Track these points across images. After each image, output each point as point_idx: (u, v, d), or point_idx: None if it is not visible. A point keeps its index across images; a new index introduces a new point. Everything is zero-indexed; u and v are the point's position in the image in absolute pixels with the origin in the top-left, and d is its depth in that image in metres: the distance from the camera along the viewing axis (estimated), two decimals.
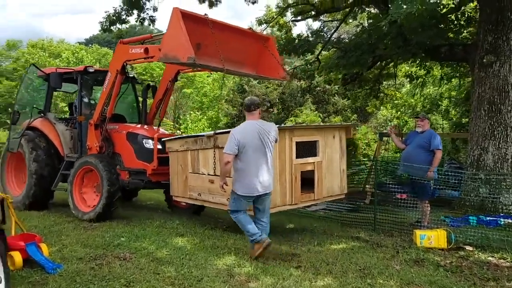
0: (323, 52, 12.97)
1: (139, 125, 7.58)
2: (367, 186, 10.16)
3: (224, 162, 4.75)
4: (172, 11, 5.20)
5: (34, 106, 7.99)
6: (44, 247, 4.34)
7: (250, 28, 6.59)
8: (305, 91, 26.64)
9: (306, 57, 22.93)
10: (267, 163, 4.83)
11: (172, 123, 29.16)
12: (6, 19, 73.19)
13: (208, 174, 5.87)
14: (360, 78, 12.42)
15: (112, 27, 12.31)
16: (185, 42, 4.93)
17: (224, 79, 36.05)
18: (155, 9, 12.00)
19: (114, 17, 12.16)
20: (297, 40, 10.22)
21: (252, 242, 4.85)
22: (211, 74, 37.17)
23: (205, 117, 30.82)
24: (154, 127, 7.67)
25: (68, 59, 35.13)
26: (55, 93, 9.17)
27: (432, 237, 5.80)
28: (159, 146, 6.65)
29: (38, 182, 7.17)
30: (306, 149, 5.97)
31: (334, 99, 26.31)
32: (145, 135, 6.93)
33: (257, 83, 27.36)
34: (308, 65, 14.06)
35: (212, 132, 5.83)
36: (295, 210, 8.80)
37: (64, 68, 8.14)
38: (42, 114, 7.73)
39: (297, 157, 5.77)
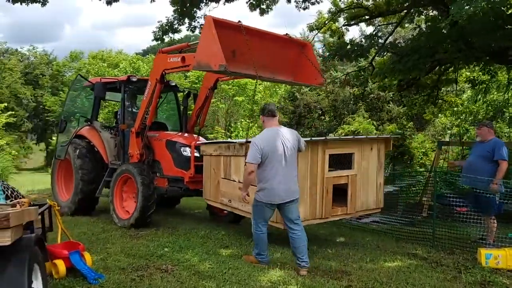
0: (377, 58, 12.47)
1: (179, 133, 7.63)
2: (424, 198, 9.56)
3: (247, 172, 4.63)
4: (205, 20, 5.23)
5: (81, 115, 8.26)
6: (87, 256, 4.31)
7: (287, 34, 6.41)
8: (358, 98, 25.96)
9: (359, 63, 22.33)
10: (292, 169, 4.71)
11: (224, 131, 29.40)
12: (76, 31, 77.51)
13: (239, 182, 5.74)
14: (417, 83, 11.76)
15: (164, 36, 12.51)
16: (217, 50, 4.92)
17: (276, 87, 36.00)
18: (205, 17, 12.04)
19: (166, 27, 12.35)
20: (349, 45, 9.84)
21: (256, 257, 4.84)
22: (262, 82, 37.16)
23: (256, 124, 30.80)
24: (194, 135, 7.68)
25: (126, 69, 36.51)
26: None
27: (500, 257, 5.25)
28: (197, 154, 6.66)
29: (83, 189, 7.39)
30: (341, 162, 5.83)
31: (389, 106, 25.39)
32: (182, 143, 6.95)
33: (309, 90, 27.01)
34: (361, 71, 13.57)
35: (244, 140, 5.73)
36: (347, 222, 8.48)
37: (108, 78, 8.36)
38: (89, 123, 7.96)
39: (330, 170, 5.59)
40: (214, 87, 7.55)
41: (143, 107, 6.86)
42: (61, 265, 4.05)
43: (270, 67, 5.98)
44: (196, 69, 5.60)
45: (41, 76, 40.57)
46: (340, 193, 5.87)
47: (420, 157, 18.17)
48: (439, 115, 19.30)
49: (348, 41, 10.64)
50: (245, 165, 4.92)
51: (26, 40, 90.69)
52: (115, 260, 4.70)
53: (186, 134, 7.62)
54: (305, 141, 5.25)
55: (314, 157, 5.41)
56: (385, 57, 12.19)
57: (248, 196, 4.78)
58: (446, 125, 22.73)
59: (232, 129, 31.05)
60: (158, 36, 12.53)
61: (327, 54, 12.03)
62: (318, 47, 30.96)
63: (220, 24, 5.23)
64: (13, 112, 24.61)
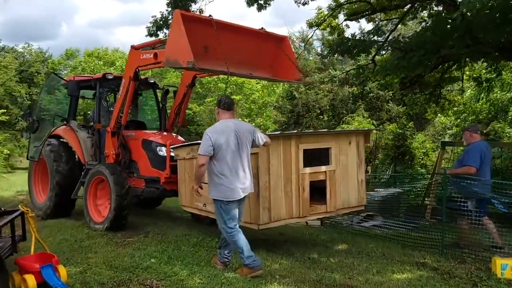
0: (377, 57, 12.02)
1: (156, 132, 7.36)
2: (426, 200, 9.15)
3: (198, 165, 4.43)
4: (174, 14, 4.99)
5: (56, 114, 8.05)
6: (61, 269, 3.84)
7: (263, 28, 6.09)
8: (357, 97, 25.56)
9: (359, 61, 21.89)
10: (246, 164, 4.51)
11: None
12: (73, 30, 76.95)
13: None
14: (420, 81, 11.31)
15: (159, 32, 12.01)
16: (185, 46, 4.73)
17: (274, 86, 35.55)
18: (201, 11, 11.57)
19: (161, 22, 11.86)
20: (351, 40, 9.38)
21: (246, 264, 4.44)
22: (259, 81, 36.81)
23: (254, 124, 30.39)
24: (173, 134, 7.43)
25: (122, 66, 35.99)
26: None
27: None
28: (173, 154, 6.35)
29: (59, 190, 7.16)
30: (317, 157, 5.52)
31: (388, 105, 25.04)
32: (158, 142, 6.69)
33: (307, 89, 26.60)
34: (362, 69, 13.11)
35: None
36: (349, 226, 8.06)
37: (82, 76, 8.12)
38: (65, 122, 7.72)
39: (305, 166, 5.31)
40: (192, 84, 7.30)
41: (118, 105, 6.66)
42: (31, 280, 3.59)
43: (246, 63, 5.82)
44: (166, 65, 5.38)
45: (36, 74, 40.04)
46: (320, 191, 5.61)
47: (421, 157, 17.76)
48: (439, 114, 18.94)
49: (350, 36, 10.17)
50: None
51: (23, 38, 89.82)
52: (95, 273, 4.23)
53: (164, 133, 7.35)
54: (276, 135, 5.16)
55: (287, 153, 5.17)
56: (386, 55, 11.76)
57: (202, 189, 4.59)
58: (446, 125, 22.39)
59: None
60: (152, 32, 12.03)
61: (327, 51, 11.53)
62: (317, 45, 30.61)
63: (190, 19, 5.05)
64: (6, 111, 24.00)
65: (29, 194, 8.24)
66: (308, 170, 5.36)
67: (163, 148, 6.53)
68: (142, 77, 7.88)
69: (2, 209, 4.25)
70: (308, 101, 26.45)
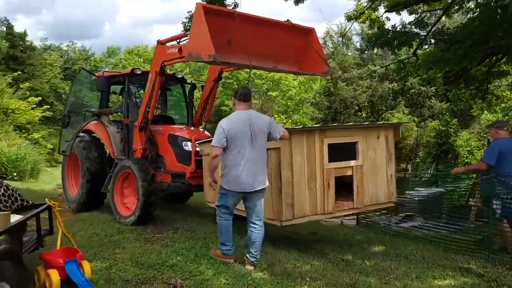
0: (419, 51, 11.45)
1: (183, 127, 7.29)
2: (470, 200, 8.62)
3: (212, 156, 4.39)
4: (196, 7, 4.84)
5: (87, 109, 8.09)
6: (86, 265, 3.76)
7: (288, 20, 5.89)
8: (398, 93, 24.75)
9: (399, 56, 21.10)
10: (260, 157, 4.39)
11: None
12: (114, 29, 79.29)
13: None
14: (466, 75, 10.68)
15: None
16: (206, 40, 4.64)
17: (311, 82, 35.08)
18: (236, 5, 11.40)
19: None
20: (392, 32, 8.92)
21: (220, 248, 4.56)
22: (296, 77, 36.47)
23: (290, 120, 30.09)
24: (200, 129, 7.38)
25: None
26: None
27: None
28: (198, 149, 6.28)
29: (90, 184, 7.17)
30: (343, 152, 5.35)
31: (431, 101, 24.11)
32: (184, 137, 6.60)
33: (345, 85, 26.01)
34: (402, 64, 12.54)
35: None
36: (386, 227, 7.70)
37: (111, 72, 8.22)
38: (96, 117, 7.80)
39: (330, 161, 5.15)
40: (219, 78, 7.17)
41: (145, 100, 6.61)
42: (54, 276, 3.52)
43: (272, 56, 5.70)
44: (188, 60, 5.33)
45: (79, 71, 41.32)
46: (348, 187, 5.46)
47: (465, 155, 16.95)
48: (485, 111, 18.01)
49: (390, 28, 9.69)
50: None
51: (68, 38, 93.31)
52: (120, 269, 4.14)
53: (191, 128, 7.30)
54: (299, 129, 5.00)
55: (311, 147, 5.00)
56: (429, 49, 11.19)
57: (215, 183, 4.57)
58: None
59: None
60: (188, 27, 11.97)
61: (366, 44, 11.07)
62: (356, 40, 29.87)
63: (212, 12, 4.95)
64: (51, 107, 24.83)
65: (63, 188, 8.37)
66: (333, 165, 5.20)
67: (189, 143, 6.45)
68: (172, 72, 7.94)
69: (30, 202, 4.23)
70: (346, 98, 25.86)
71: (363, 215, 8.21)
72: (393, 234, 7.11)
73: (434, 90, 23.27)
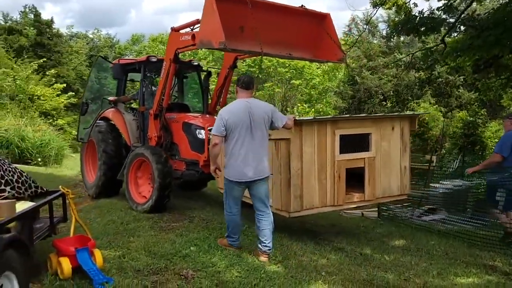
0: (447, 38, 11.00)
1: (198, 115, 7.22)
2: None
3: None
4: None
5: (104, 97, 8.17)
6: (98, 254, 3.72)
7: (303, 5, 5.74)
8: (424, 82, 24.09)
9: (427, 44, 20.43)
10: (260, 145, 4.34)
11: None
12: (139, 17, 79.82)
13: None
14: (497, 64, 10.23)
15: None
16: (217, 27, 4.58)
17: (335, 70, 34.53)
18: None
19: None
20: (419, 18, 8.56)
21: (227, 238, 4.62)
22: (320, 65, 35.97)
23: (313, 109, 29.75)
24: (215, 117, 7.12)
25: (185, 52, 36.55)
26: None
27: None
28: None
29: (106, 171, 7.24)
30: (356, 143, 5.27)
31: (458, 91, 23.36)
32: (198, 125, 6.54)
33: (370, 74, 25.46)
34: (429, 52, 12.11)
35: None
36: (408, 219, 7.47)
37: (127, 59, 8.27)
38: (113, 105, 7.82)
39: (342, 152, 5.09)
40: (234, 65, 7.07)
41: (160, 88, 6.57)
42: (65, 264, 3.49)
43: (285, 42, 5.58)
44: (200, 47, 5.32)
45: (120, 57, 41.80)
46: (360, 179, 5.39)
47: (493, 147, 16.38)
48: None
49: (417, 13, 9.30)
50: None
51: (95, 25, 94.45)
52: (133, 258, 4.10)
53: (207, 116, 7.23)
54: (310, 120, 4.91)
55: (322, 139, 4.93)
56: (458, 36, 10.74)
57: (220, 170, 4.58)
58: None
59: (288, 114, 30.20)
60: None
61: (391, 31, 10.70)
62: (382, 27, 29.15)
63: None
64: (74, 93, 25.19)
65: (81, 174, 8.47)
66: (345, 156, 5.12)
67: (202, 131, 6.40)
68: (188, 59, 7.91)
69: (45, 189, 4.22)
70: (371, 87, 25.33)
71: (385, 207, 8.01)
72: (415, 227, 6.89)
73: (462, 80, 22.54)
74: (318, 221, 6.85)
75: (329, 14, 5.96)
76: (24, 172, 4.06)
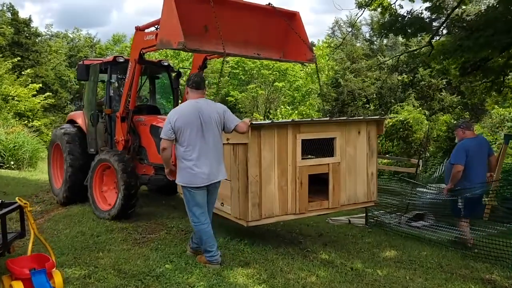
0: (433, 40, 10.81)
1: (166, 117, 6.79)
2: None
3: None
4: None
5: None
6: (57, 276, 3.28)
7: (270, 4, 5.51)
8: (407, 85, 24.06)
9: (409, 47, 20.39)
10: (213, 148, 4.14)
11: (262, 118, 28.29)
12: (121, 17, 78.71)
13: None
14: (484, 67, 10.06)
15: None
16: (176, 26, 4.43)
17: (319, 73, 34.43)
18: None
19: None
20: (406, 18, 8.30)
21: (205, 256, 4.20)
22: (303, 67, 35.80)
23: (296, 111, 29.53)
24: None
25: (166, 52, 35.94)
26: None
27: None
28: None
29: (72, 176, 6.92)
30: (319, 148, 5.08)
31: (441, 94, 23.40)
32: None
33: (353, 76, 25.34)
34: (414, 53, 11.93)
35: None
36: (397, 227, 7.17)
37: (92, 60, 7.81)
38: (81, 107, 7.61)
39: (304, 158, 4.88)
40: (204, 66, 6.78)
41: (126, 90, 6.27)
42: None
43: (253, 42, 5.49)
44: (159, 47, 5.11)
45: (85, 58, 40.92)
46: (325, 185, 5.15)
47: None
48: (495, 106, 17.38)
49: (405, 13, 9.06)
50: None
51: (75, 25, 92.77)
52: (100, 279, 3.66)
53: None
54: (269, 124, 4.59)
55: (283, 143, 4.67)
56: (443, 38, 10.55)
57: (174, 170, 4.35)
58: (505, 117, 20.63)
59: (271, 116, 29.91)
60: None
61: (378, 31, 10.44)
62: (365, 30, 29.13)
63: None
64: (56, 94, 24.38)
65: (49, 179, 8.06)
66: (307, 162, 4.89)
67: None
68: (157, 60, 7.65)
69: (1, 200, 3.76)
70: (354, 89, 25.20)
71: (372, 214, 7.72)
72: (404, 236, 6.58)
73: (444, 83, 22.60)
74: (304, 230, 6.50)
75: (299, 12, 5.76)
76: None
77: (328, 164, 5.04)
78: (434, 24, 10.06)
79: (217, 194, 4.28)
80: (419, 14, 9.16)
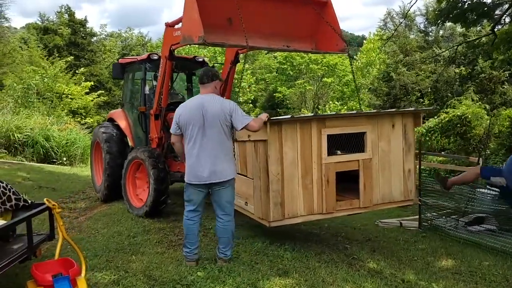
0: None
1: None
2: None
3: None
4: None
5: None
6: (81, 283, 3.10)
7: None
8: (466, 78, 22.65)
9: (468, 37, 19.07)
10: (215, 146, 3.95)
11: (311, 114, 27.79)
12: (172, 16, 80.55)
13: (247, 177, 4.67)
14: None
15: None
16: (196, 21, 4.32)
17: (369, 67, 33.31)
18: None
19: None
20: (467, 3, 7.57)
21: (183, 249, 4.17)
22: (353, 62, 34.70)
23: (346, 107, 28.75)
24: None
25: (215, 48, 36.14)
26: None
27: None
28: None
29: (110, 174, 6.94)
30: (348, 144, 4.75)
31: (503, 87, 21.80)
32: None
33: (407, 70, 24.20)
34: (475, 43, 11.03)
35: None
36: (453, 232, 6.57)
37: (127, 58, 7.87)
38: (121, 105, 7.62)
39: (330, 154, 4.58)
40: (236, 60, 6.62)
41: (158, 87, 6.20)
42: None
43: (282, 34, 5.31)
44: (183, 43, 4.96)
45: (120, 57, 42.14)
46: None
47: None
48: None
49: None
50: None
51: (129, 25, 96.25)
52: (128, 285, 3.47)
53: None
54: (289, 119, 4.32)
55: (306, 139, 4.42)
56: (508, 26, 9.64)
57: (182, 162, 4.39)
58: None
59: (320, 112, 29.33)
60: None
61: (435, 19, 9.70)
62: (420, 21, 27.73)
63: None
64: (103, 91, 25.17)
65: (91, 176, 8.17)
66: (334, 159, 4.60)
67: None
68: (192, 56, 7.55)
69: (29, 202, 3.66)
70: (407, 83, 24.06)
71: (424, 216, 7.14)
72: (463, 242, 5.99)
73: (507, 75, 21.05)
74: (350, 233, 6.08)
75: (330, 0, 5.43)
76: (3, 182, 3.50)
77: (358, 160, 4.73)
78: (497, 12, 9.23)
79: (225, 193, 4.06)
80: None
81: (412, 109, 5.29)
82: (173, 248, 4.57)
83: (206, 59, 7.60)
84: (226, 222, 4.08)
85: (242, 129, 4.00)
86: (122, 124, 7.25)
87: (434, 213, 7.32)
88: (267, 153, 4.22)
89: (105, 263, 3.99)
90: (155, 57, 6.69)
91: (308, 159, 4.45)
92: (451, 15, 7.99)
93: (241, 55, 6.76)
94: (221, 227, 4.10)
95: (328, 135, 4.51)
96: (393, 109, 5.23)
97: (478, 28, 18.77)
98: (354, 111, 5.97)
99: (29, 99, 17.17)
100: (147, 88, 6.81)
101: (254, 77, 34.92)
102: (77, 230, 5.40)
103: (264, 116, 4.15)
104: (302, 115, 4.92)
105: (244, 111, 4.32)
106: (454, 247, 5.77)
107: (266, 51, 37.06)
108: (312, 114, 4.49)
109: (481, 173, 6.27)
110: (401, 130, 5.03)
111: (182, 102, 7.13)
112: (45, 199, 3.49)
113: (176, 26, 5.64)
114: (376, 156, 4.85)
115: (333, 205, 4.62)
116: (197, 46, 26.11)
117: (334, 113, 4.53)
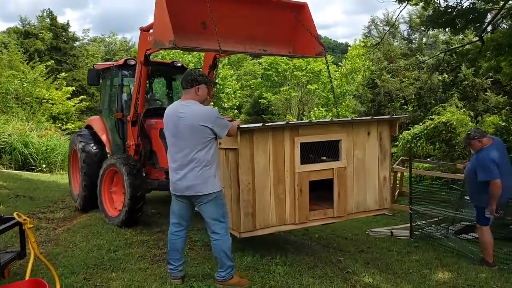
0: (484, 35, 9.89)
1: None
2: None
3: None
4: None
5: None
6: None
7: None
8: (449, 85, 22.84)
9: (451, 45, 19.21)
10: (186, 157, 3.61)
11: (296, 120, 27.66)
12: None
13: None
14: None
15: None
16: (166, 25, 4.24)
17: (353, 73, 33.41)
18: None
19: None
20: (456, 9, 7.49)
21: (168, 266, 3.90)
22: (338, 69, 34.82)
23: (331, 114, 28.73)
24: None
25: (200, 54, 35.89)
26: None
27: None
28: None
29: (87, 181, 6.71)
30: (323, 152, 4.68)
31: (485, 95, 22.03)
32: None
33: (391, 77, 24.30)
34: (457, 52, 11.02)
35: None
36: (445, 242, 6.43)
37: (102, 64, 7.64)
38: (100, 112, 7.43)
39: (303, 163, 4.43)
40: (214, 65, 6.51)
41: (134, 93, 6.00)
42: None
43: (259, 38, 5.27)
44: (154, 47, 4.89)
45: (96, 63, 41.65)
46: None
47: None
48: None
49: (454, 4, 8.20)
50: None
51: (114, 30, 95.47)
52: None
53: None
54: (261, 127, 4.14)
55: (279, 148, 4.30)
56: (495, 33, 9.64)
57: None
58: None
59: (305, 118, 29.24)
60: None
61: (422, 24, 9.62)
62: (403, 29, 27.95)
63: None
64: (85, 96, 24.63)
65: (69, 184, 7.93)
66: (307, 167, 4.46)
67: None
68: (170, 60, 7.42)
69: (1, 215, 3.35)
70: (391, 90, 24.16)
71: (415, 224, 6.99)
72: (456, 253, 5.83)
73: (489, 82, 21.29)
74: (342, 244, 5.89)
75: (307, 3, 5.35)
76: None
77: (333, 169, 4.60)
78: (487, 17, 9.19)
79: (209, 208, 3.70)
80: (471, 5, 8.29)
81: (388, 116, 5.17)
82: (157, 263, 4.28)
83: (191, 65, 7.40)
84: (214, 240, 3.76)
85: (225, 136, 3.79)
86: (100, 131, 7.05)
87: (424, 221, 7.19)
88: (237, 162, 4.06)
89: (82, 282, 3.68)
90: (132, 62, 6.50)
91: (281, 168, 4.32)
92: (439, 21, 7.90)
93: (226, 60, 6.63)
94: (212, 245, 3.83)
95: (301, 143, 4.38)
96: (368, 117, 5.09)
97: (461, 36, 18.95)
98: (328, 119, 5.84)
99: (8, 104, 16.62)
100: (124, 94, 6.60)
101: (239, 83, 34.76)
102: (54, 244, 5.07)
103: (236, 123, 3.96)
104: (275, 123, 4.73)
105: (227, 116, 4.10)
106: (448, 258, 5.62)
107: (251, 57, 37.02)
108: (285, 122, 4.31)
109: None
110: (377, 138, 4.95)
111: (161, 108, 6.99)
112: (15, 214, 3.17)
113: (151, 31, 5.43)
114: (351, 164, 4.75)
115: (306, 215, 4.49)
116: (181, 51, 25.81)
117: (307, 121, 4.41)
